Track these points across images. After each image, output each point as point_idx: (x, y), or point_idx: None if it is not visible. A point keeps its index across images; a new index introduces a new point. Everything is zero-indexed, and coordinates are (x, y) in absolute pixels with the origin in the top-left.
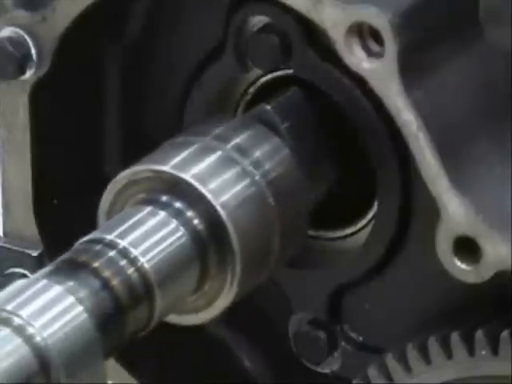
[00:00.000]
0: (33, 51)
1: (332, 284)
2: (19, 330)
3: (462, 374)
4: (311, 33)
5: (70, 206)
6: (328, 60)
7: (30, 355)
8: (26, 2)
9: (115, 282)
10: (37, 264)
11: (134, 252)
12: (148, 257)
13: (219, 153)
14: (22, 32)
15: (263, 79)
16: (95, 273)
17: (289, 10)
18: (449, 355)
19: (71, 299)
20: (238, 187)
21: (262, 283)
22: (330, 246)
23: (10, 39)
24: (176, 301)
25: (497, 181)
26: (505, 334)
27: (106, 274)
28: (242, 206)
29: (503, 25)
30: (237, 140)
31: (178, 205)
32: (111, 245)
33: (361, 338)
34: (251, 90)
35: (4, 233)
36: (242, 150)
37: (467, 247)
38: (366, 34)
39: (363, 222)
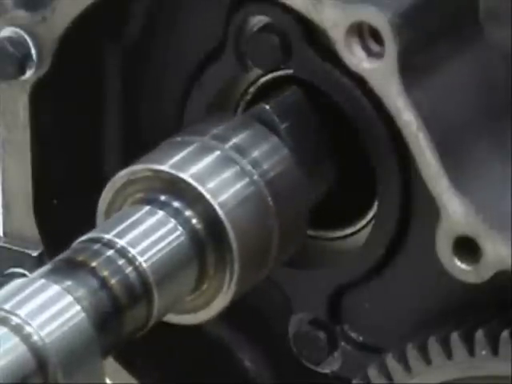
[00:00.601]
0: (33, 51)
1: (332, 284)
2: (17, 329)
3: (462, 374)
4: (311, 33)
5: (70, 206)
6: (328, 60)
7: (28, 354)
8: (25, 2)
9: (113, 281)
10: (37, 264)
11: (132, 251)
12: (146, 256)
13: (218, 152)
14: (21, 32)
15: (263, 79)
16: (93, 272)
17: (289, 10)
18: (449, 355)
19: (69, 298)
20: (237, 187)
21: (261, 283)
22: (330, 246)
23: (10, 39)
24: (174, 300)
25: (497, 180)
26: (505, 334)
27: (104, 273)
28: (240, 205)
29: (503, 25)
30: (235, 139)
31: (176, 204)
32: (109, 244)
33: (361, 338)
34: (251, 89)
35: (4, 233)
36: (240, 150)
37: (467, 247)
38: (366, 34)
39: (363, 222)
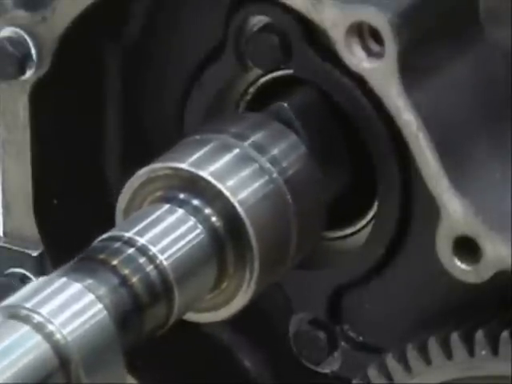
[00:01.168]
0: (33, 51)
1: (332, 284)
2: (39, 328)
3: (462, 373)
4: (311, 33)
5: (70, 206)
6: (328, 60)
7: (50, 352)
8: (26, 2)
9: (134, 279)
10: (37, 264)
11: (153, 249)
12: (166, 254)
13: (237, 150)
14: (22, 32)
15: (263, 79)
16: (114, 270)
17: (289, 10)
18: (449, 355)
19: (91, 297)
20: (256, 184)
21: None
22: (330, 245)
23: (10, 39)
24: (194, 298)
25: (497, 181)
26: (505, 334)
27: (125, 271)
28: (259, 203)
29: (503, 25)
30: (254, 137)
31: (195, 202)
32: (130, 242)
33: (361, 338)
34: (251, 89)
35: (4, 233)
36: (259, 148)
37: (467, 247)
38: (365, 34)
39: (363, 222)
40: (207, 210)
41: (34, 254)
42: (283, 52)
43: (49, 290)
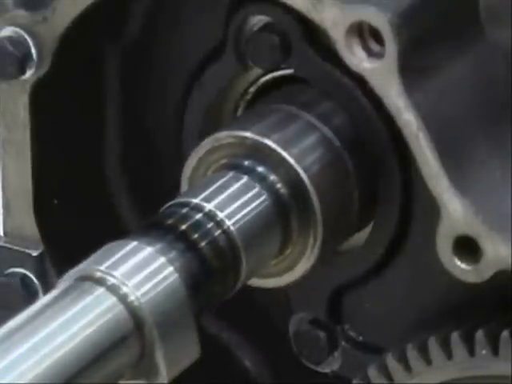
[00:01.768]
0: (33, 51)
1: (332, 284)
2: (113, 289)
3: (462, 373)
4: (311, 32)
5: (70, 206)
6: (328, 60)
7: (125, 313)
8: (26, 2)
9: (203, 244)
10: (37, 264)
11: (220, 215)
12: (233, 220)
13: (301, 120)
14: (22, 32)
15: (263, 79)
16: (183, 235)
17: (289, 10)
18: (449, 355)
19: (162, 260)
20: (319, 153)
21: None
22: None
23: (10, 39)
24: (260, 264)
25: (497, 182)
26: (505, 333)
27: (194, 236)
28: (323, 170)
29: (503, 25)
30: (318, 108)
31: (260, 169)
32: (197, 208)
33: (361, 338)
34: (251, 89)
35: (4, 232)
36: (322, 118)
37: (467, 247)
38: (366, 34)
39: None
40: (272, 177)
41: (34, 253)
42: (283, 52)
43: (121, 254)
